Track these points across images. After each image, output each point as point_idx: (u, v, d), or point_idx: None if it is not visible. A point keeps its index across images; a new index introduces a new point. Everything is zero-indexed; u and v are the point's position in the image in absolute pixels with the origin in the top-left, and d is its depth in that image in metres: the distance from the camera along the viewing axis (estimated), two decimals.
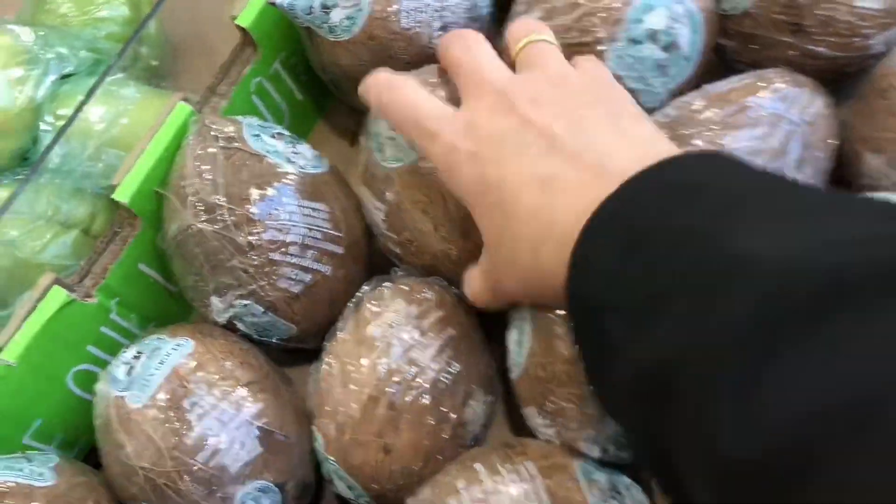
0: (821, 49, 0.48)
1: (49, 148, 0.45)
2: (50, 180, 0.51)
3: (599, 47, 0.46)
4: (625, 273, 0.31)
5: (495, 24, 0.53)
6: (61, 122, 0.53)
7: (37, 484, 0.43)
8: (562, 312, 0.40)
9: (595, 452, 0.41)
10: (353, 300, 0.46)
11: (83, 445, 0.51)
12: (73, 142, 0.51)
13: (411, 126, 0.42)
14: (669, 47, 0.46)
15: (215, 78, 0.53)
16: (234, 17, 0.52)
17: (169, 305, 0.53)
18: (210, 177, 0.46)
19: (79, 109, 0.47)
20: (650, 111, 0.45)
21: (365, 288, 0.47)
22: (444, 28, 0.50)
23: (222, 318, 0.47)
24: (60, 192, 0.51)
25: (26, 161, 0.54)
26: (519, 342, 0.43)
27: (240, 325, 0.48)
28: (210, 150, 0.46)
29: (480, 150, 0.38)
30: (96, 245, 0.49)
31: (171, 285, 0.53)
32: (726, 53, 0.52)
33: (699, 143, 0.45)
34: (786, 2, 0.48)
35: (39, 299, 0.46)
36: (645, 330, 0.30)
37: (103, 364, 0.49)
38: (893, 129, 0.44)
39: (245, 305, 0.46)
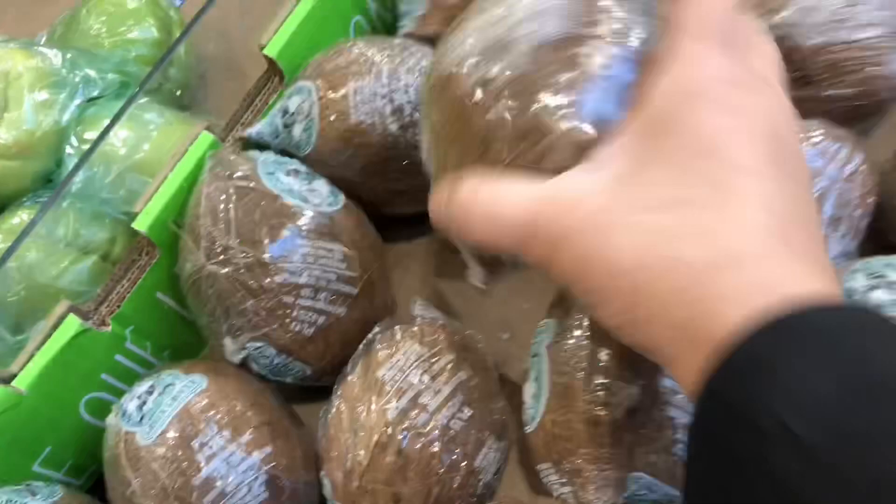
0: (839, 91, 0.47)
1: (73, 172, 0.45)
2: (71, 204, 0.51)
3: None
4: (853, 423, 0.23)
5: None
6: (86, 146, 0.53)
7: None
8: (581, 370, 0.39)
9: None
10: (365, 342, 0.46)
11: (93, 472, 0.51)
12: (95, 166, 0.50)
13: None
14: None
15: (240, 106, 0.53)
16: (262, 47, 0.51)
17: (185, 334, 0.52)
18: (223, 217, 0.45)
19: (104, 135, 0.47)
20: None
21: (376, 329, 0.46)
22: (398, 111, 0.49)
23: (236, 359, 0.47)
24: (81, 217, 0.51)
25: (49, 183, 0.54)
26: (536, 396, 0.42)
27: (253, 366, 0.47)
28: (224, 189, 0.46)
29: (737, 126, 0.29)
30: (114, 273, 0.49)
31: (187, 313, 0.52)
32: None
33: None
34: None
35: (54, 327, 0.46)
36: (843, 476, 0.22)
37: (116, 391, 0.49)
38: None
39: (258, 348, 0.46)
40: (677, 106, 0.29)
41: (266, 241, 0.45)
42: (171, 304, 0.51)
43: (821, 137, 0.44)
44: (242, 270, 0.45)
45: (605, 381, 0.39)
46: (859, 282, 0.40)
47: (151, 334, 0.51)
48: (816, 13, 0.46)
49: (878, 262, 0.40)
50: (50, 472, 0.48)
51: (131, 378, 0.49)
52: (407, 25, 0.55)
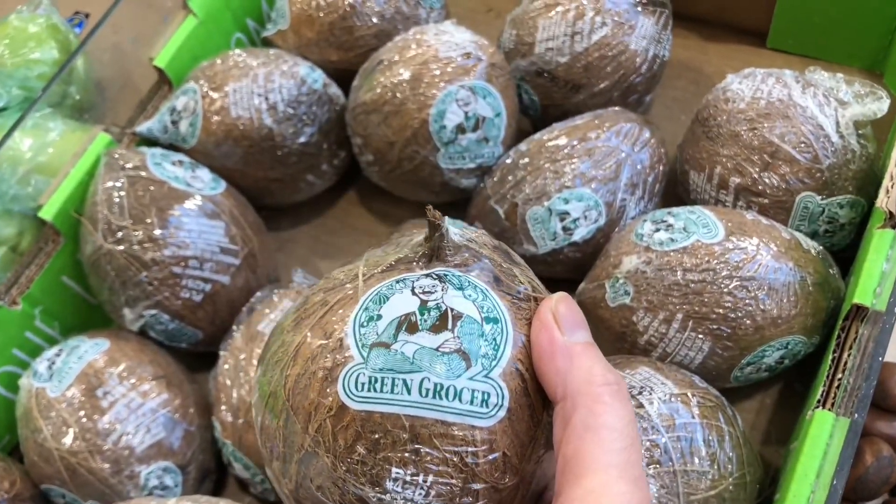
0: (604, 84, 0.58)
1: None
2: None
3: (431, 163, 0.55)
4: None
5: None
6: None
7: None
8: None
9: None
10: (247, 305, 0.53)
11: (6, 443, 0.56)
12: (3, 167, 0.57)
13: None
14: (477, 125, 0.54)
15: (134, 112, 0.60)
16: (153, 59, 0.59)
17: (89, 315, 0.59)
18: (118, 202, 0.52)
19: (6, 137, 0.53)
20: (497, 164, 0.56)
21: (258, 294, 0.54)
22: (272, 108, 0.57)
23: (134, 327, 0.53)
24: None
25: None
26: None
27: (151, 333, 0.54)
28: (117, 179, 0.53)
29: None
30: (23, 259, 0.55)
31: (91, 297, 0.58)
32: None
33: (545, 175, 0.53)
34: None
35: None
36: None
37: (26, 366, 0.55)
38: (709, 151, 0.53)
39: (153, 315, 0.53)
40: None
41: (156, 220, 0.52)
42: (76, 287, 0.58)
43: (615, 120, 0.54)
44: (136, 247, 0.52)
45: None
46: (646, 228, 0.49)
47: (59, 315, 0.57)
48: (553, 41, 0.57)
49: (661, 212, 0.50)
50: None
51: (39, 353, 0.55)
52: (269, 31, 0.64)
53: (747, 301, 0.45)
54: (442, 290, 0.27)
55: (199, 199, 0.54)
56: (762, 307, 0.45)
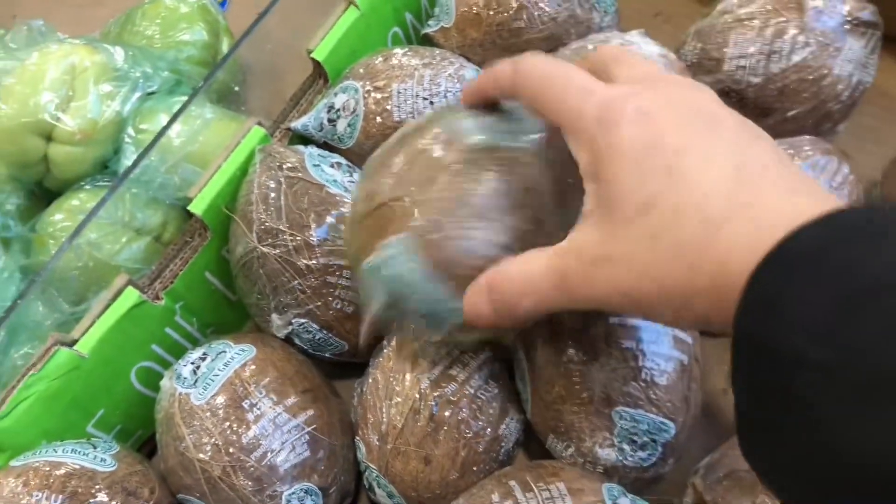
0: (798, 110, 0.52)
1: (137, 161, 0.50)
2: (127, 189, 0.55)
3: None
4: (847, 332, 0.25)
5: None
6: (142, 136, 0.57)
7: (99, 469, 0.47)
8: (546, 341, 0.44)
9: (613, 456, 0.44)
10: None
11: (138, 437, 0.55)
12: (153, 155, 0.55)
13: (559, 89, 0.35)
14: None
15: (286, 105, 0.58)
16: (310, 51, 0.56)
17: (227, 312, 0.57)
18: (274, 203, 0.49)
19: (165, 129, 0.51)
20: None
21: None
22: None
23: (281, 334, 0.51)
24: (136, 201, 0.55)
25: (106, 169, 0.58)
26: (523, 380, 0.47)
27: (296, 340, 0.51)
28: (274, 179, 0.50)
29: (656, 112, 0.33)
30: (167, 251, 0.53)
31: (230, 294, 0.56)
32: None
33: None
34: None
35: (113, 298, 0.50)
36: (875, 412, 0.24)
37: (164, 363, 0.53)
38: None
39: (302, 324, 0.50)
40: (606, 138, 0.33)
41: (313, 225, 0.49)
42: (217, 284, 0.55)
43: (811, 151, 0.49)
44: (291, 252, 0.49)
45: (566, 340, 0.45)
46: None
47: (197, 311, 0.55)
48: (745, 59, 0.52)
49: None
50: (101, 434, 0.52)
51: (177, 350, 0.53)
52: (430, 28, 0.60)
53: None
54: None
55: None
56: None
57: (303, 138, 0.56)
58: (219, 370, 0.47)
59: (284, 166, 0.51)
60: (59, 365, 0.48)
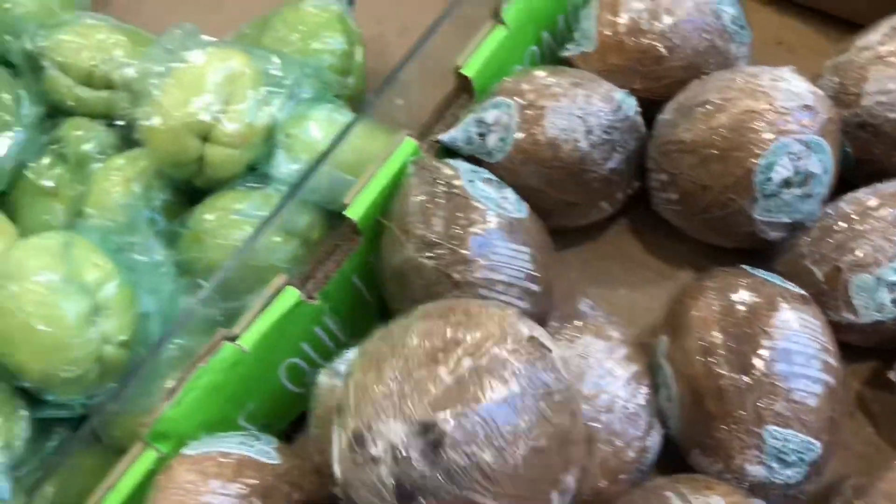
0: None
1: (310, 171, 0.52)
2: (278, 192, 0.57)
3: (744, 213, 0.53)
4: None
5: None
6: (291, 141, 0.59)
7: (266, 461, 0.49)
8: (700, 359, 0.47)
9: (763, 473, 0.46)
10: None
11: (278, 432, 0.57)
12: (304, 162, 0.57)
13: None
14: (804, 181, 0.52)
15: (431, 117, 0.60)
16: (459, 67, 0.58)
17: (368, 315, 0.59)
18: (432, 216, 0.52)
19: (337, 140, 0.54)
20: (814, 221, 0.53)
21: (554, 324, 0.53)
22: (589, 131, 0.56)
23: None
24: (290, 205, 0.57)
25: (254, 171, 0.61)
26: (668, 397, 0.49)
27: None
28: (432, 192, 0.52)
29: None
30: (319, 254, 0.55)
31: (370, 297, 0.58)
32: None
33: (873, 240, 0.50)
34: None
35: (272, 297, 0.52)
36: None
37: (310, 360, 0.56)
38: None
39: None
40: None
41: (469, 240, 0.51)
42: (363, 288, 0.58)
43: None
44: (447, 264, 0.51)
45: (716, 358, 0.47)
46: None
47: (343, 312, 0.57)
48: (886, 95, 0.55)
49: None
50: (250, 427, 0.54)
51: (322, 349, 0.56)
52: (569, 51, 0.62)
53: None
54: None
55: (510, 221, 0.53)
56: None
57: (451, 152, 0.58)
58: None
59: (440, 180, 0.53)
60: (223, 359, 0.50)
